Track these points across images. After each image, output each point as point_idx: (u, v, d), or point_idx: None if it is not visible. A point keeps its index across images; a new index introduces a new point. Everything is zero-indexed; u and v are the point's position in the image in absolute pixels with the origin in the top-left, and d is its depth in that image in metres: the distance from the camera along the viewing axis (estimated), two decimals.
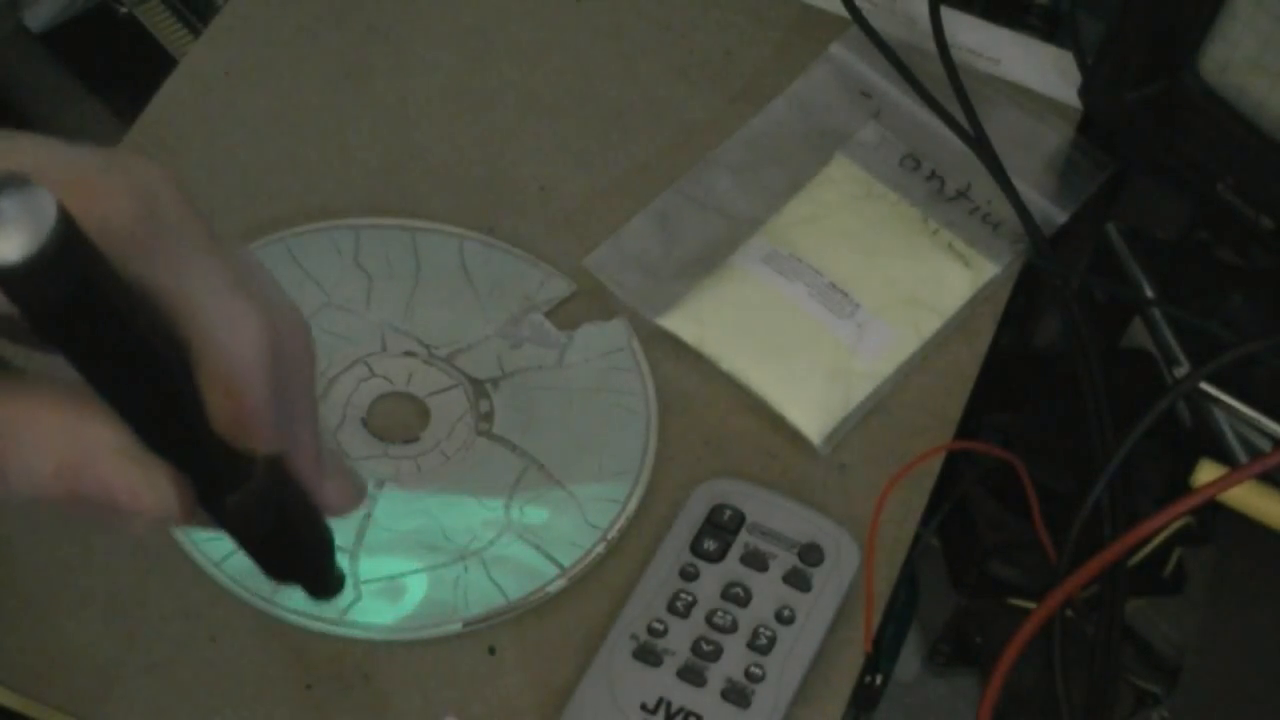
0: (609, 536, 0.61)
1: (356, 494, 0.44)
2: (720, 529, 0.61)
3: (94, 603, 0.59)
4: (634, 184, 0.72)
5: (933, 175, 0.72)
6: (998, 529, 0.66)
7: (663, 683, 0.57)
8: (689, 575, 0.59)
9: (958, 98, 0.73)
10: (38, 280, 0.33)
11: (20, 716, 0.57)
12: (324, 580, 0.46)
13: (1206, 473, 0.61)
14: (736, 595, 0.59)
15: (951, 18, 0.77)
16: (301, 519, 0.44)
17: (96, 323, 0.35)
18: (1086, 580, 0.60)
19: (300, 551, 0.45)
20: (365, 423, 0.63)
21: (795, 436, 0.65)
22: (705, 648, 0.58)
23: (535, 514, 0.62)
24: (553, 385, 0.65)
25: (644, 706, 0.57)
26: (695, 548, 0.60)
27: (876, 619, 0.61)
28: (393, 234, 0.69)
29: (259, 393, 0.38)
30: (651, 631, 0.58)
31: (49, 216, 0.32)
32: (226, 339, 0.37)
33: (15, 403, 0.38)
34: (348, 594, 0.59)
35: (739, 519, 0.61)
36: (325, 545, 0.45)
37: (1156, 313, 0.69)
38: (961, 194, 0.72)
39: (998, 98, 0.75)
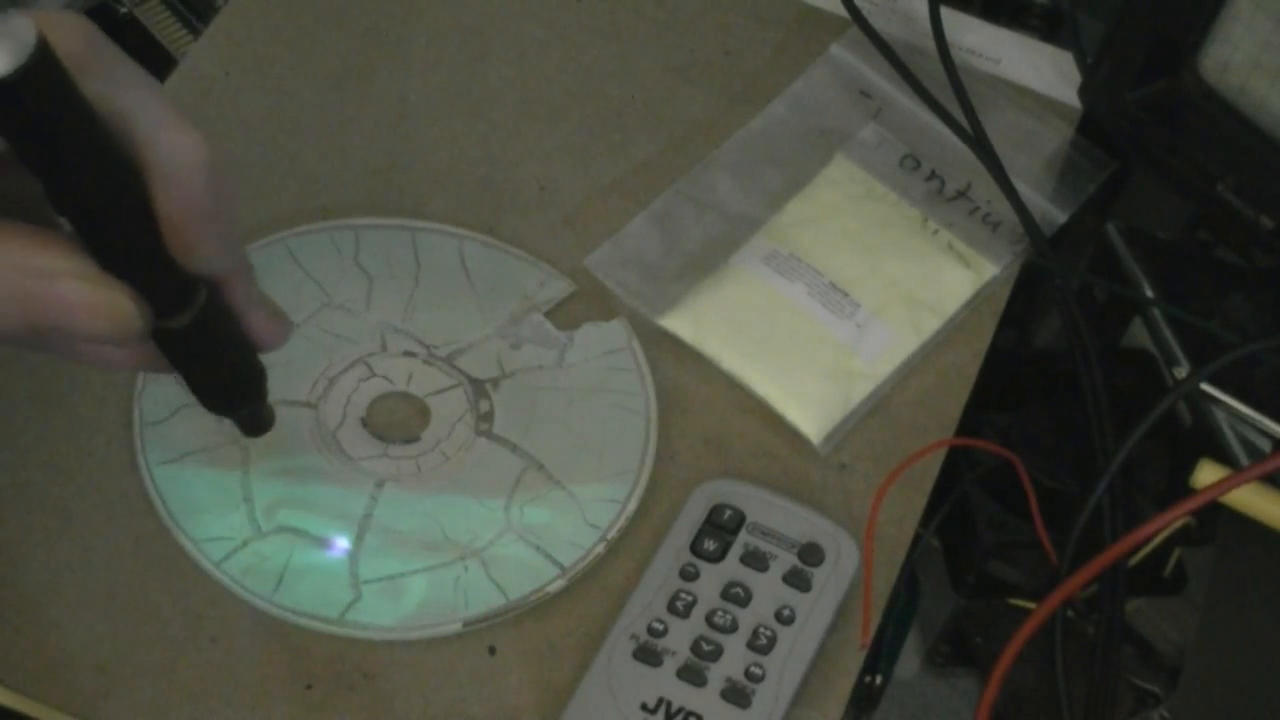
0: (609, 536, 0.61)
1: (285, 328, 0.49)
2: (720, 529, 0.61)
3: (94, 603, 0.59)
4: (634, 184, 0.72)
5: (933, 175, 0.72)
6: (998, 529, 0.66)
7: (663, 683, 0.57)
8: (689, 575, 0.60)
9: (958, 98, 0.73)
10: (22, 92, 0.37)
11: (20, 716, 0.57)
12: (257, 415, 0.51)
13: (1207, 473, 0.61)
14: (736, 595, 0.59)
15: (951, 18, 0.77)
16: (237, 348, 0.48)
17: (70, 136, 0.39)
18: (1086, 580, 0.60)
19: (236, 381, 0.49)
20: (365, 423, 0.63)
21: (795, 436, 0.65)
22: (705, 648, 0.58)
23: (535, 514, 0.62)
24: (553, 385, 0.65)
25: (644, 706, 0.57)
26: (695, 548, 0.60)
27: (876, 619, 0.61)
28: (393, 234, 0.69)
29: (208, 202, 0.42)
30: (651, 631, 0.58)
31: (30, 36, 0.36)
32: (178, 152, 0.42)
33: None
34: (347, 594, 0.59)
35: (739, 519, 0.61)
36: (259, 378, 0.50)
37: (1156, 313, 0.69)
38: (961, 194, 0.72)
39: (998, 98, 0.75)
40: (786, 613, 0.59)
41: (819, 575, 0.60)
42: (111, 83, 0.41)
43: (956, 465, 0.66)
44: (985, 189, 0.72)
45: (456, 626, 0.59)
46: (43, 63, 0.37)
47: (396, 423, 0.64)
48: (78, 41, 0.40)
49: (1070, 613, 0.63)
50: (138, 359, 0.47)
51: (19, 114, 0.38)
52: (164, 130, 0.42)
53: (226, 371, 0.49)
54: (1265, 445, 0.66)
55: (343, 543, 0.60)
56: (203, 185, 0.42)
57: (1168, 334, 0.68)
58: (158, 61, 0.78)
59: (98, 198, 0.41)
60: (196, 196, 0.42)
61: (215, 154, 0.43)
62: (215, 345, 0.47)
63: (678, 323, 0.67)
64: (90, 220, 0.41)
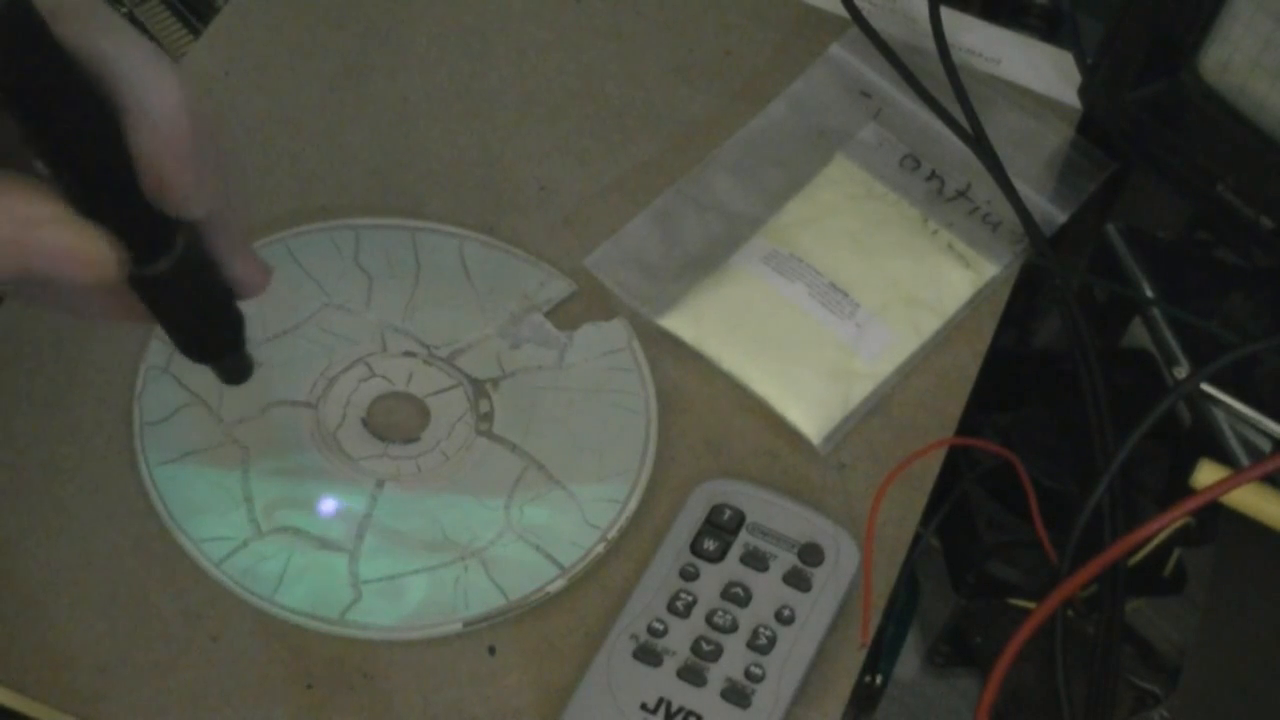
0: (609, 536, 0.61)
1: (265, 273, 0.49)
2: (720, 529, 0.61)
3: (94, 603, 0.59)
4: (634, 184, 0.72)
5: (933, 175, 0.72)
6: (998, 529, 0.66)
7: (663, 683, 0.57)
8: (689, 575, 0.60)
9: (958, 98, 0.73)
10: None
11: (20, 716, 0.57)
12: (237, 362, 0.51)
13: (1206, 473, 0.61)
14: (736, 595, 0.59)
15: (951, 18, 0.77)
16: (216, 295, 0.48)
17: (44, 79, 0.39)
18: (1086, 580, 0.60)
19: (215, 328, 0.49)
20: (365, 423, 0.63)
21: (795, 436, 0.65)
22: (705, 648, 0.58)
23: (535, 514, 0.62)
24: (553, 385, 0.65)
25: (644, 706, 0.57)
26: (695, 548, 0.60)
27: (876, 618, 0.61)
28: (393, 234, 0.69)
29: (185, 144, 0.42)
30: (651, 631, 0.58)
31: None
32: (155, 93, 0.42)
33: None
34: (348, 594, 0.59)
35: (739, 519, 0.61)
36: (237, 326, 0.50)
37: (1156, 313, 0.69)
38: (961, 194, 0.72)
39: (998, 98, 0.75)
40: (786, 613, 0.59)
41: (819, 575, 0.60)
42: (87, 26, 0.41)
43: (956, 465, 0.66)
44: (985, 189, 0.72)
45: (456, 626, 0.59)
46: (14, 4, 0.37)
47: (396, 423, 0.64)
48: None
49: (1070, 613, 0.63)
50: (121, 307, 0.47)
51: None
52: (140, 72, 0.42)
53: (206, 319, 0.49)
54: (1265, 445, 0.65)
55: (343, 543, 0.60)
56: (180, 127, 0.42)
57: (1168, 334, 0.68)
58: None
59: (74, 142, 0.41)
60: (173, 138, 0.42)
61: (193, 97, 0.43)
62: (195, 292, 0.47)
63: (678, 323, 0.67)
64: (67, 164, 0.41)
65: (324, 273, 0.67)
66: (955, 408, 0.66)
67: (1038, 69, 0.77)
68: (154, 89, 0.42)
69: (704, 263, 0.69)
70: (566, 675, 0.58)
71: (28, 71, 0.38)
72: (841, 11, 0.76)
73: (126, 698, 0.57)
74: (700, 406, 0.66)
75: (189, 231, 0.45)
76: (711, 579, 0.59)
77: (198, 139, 0.43)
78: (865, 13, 0.76)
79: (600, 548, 0.61)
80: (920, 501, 0.64)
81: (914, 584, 0.68)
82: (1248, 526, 0.62)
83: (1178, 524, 0.61)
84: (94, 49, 0.41)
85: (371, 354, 0.65)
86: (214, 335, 0.50)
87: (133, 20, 0.80)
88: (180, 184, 0.43)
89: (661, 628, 0.58)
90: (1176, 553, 0.66)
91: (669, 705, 0.57)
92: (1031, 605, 0.61)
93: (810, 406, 0.65)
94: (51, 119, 0.40)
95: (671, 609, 0.59)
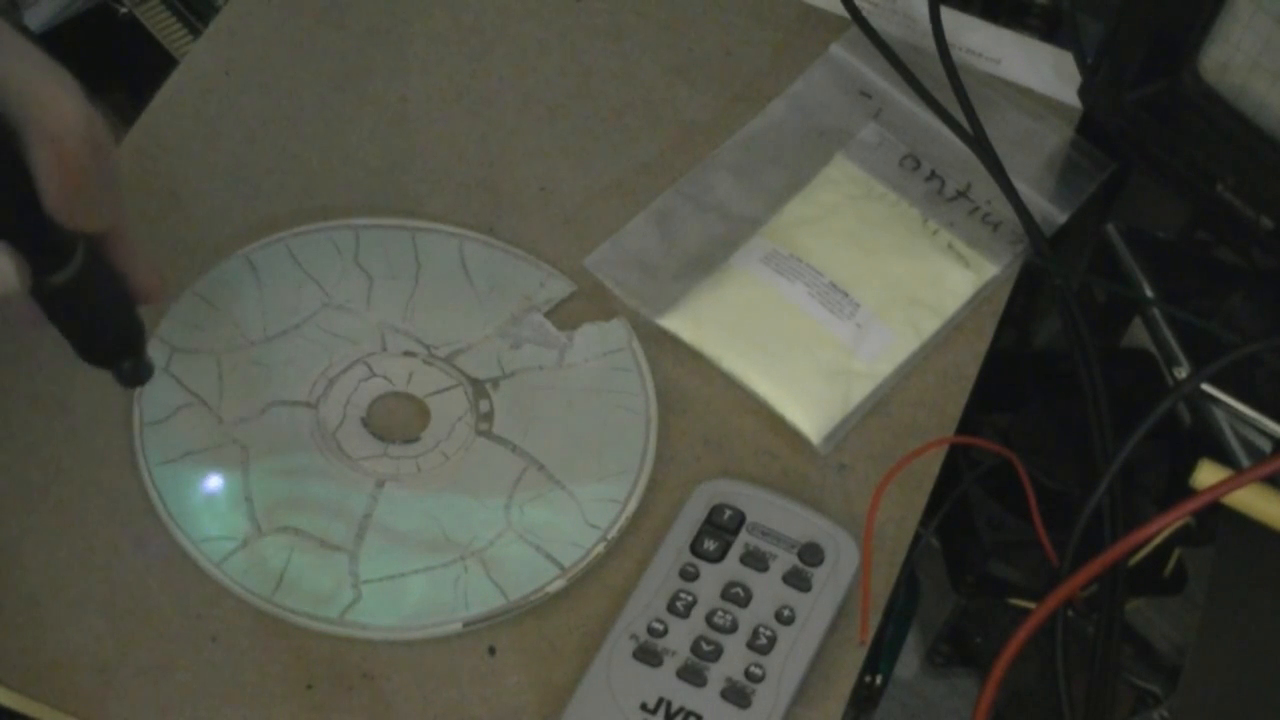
0: (609, 536, 0.61)
1: (161, 280, 0.51)
2: (720, 529, 0.61)
3: (94, 603, 0.59)
4: (634, 184, 0.72)
5: (933, 175, 0.72)
6: (998, 529, 0.66)
7: (663, 683, 0.57)
8: (689, 575, 0.60)
9: (958, 98, 0.73)
10: None
11: (20, 716, 0.57)
12: (136, 368, 0.53)
13: (1207, 474, 0.61)
14: (736, 595, 0.59)
15: (951, 18, 0.77)
16: (116, 302, 0.50)
17: None
18: (1086, 580, 0.60)
19: (115, 335, 0.51)
20: (365, 423, 0.63)
21: (795, 436, 0.65)
22: (705, 648, 0.58)
23: (535, 514, 0.62)
24: (553, 385, 0.65)
25: (644, 706, 0.57)
26: (695, 548, 0.60)
27: (876, 618, 0.61)
28: (393, 234, 0.69)
29: (87, 159, 0.43)
30: (651, 631, 0.58)
31: None
32: (55, 112, 0.43)
33: None
34: (348, 594, 0.59)
35: (739, 519, 0.61)
36: (137, 331, 0.52)
37: (1156, 313, 0.69)
38: (961, 194, 0.72)
39: (998, 98, 0.75)
40: (786, 613, 0.59)
41: (819, 575, 0.60)
42: None
43: (956, 465, 0.66)
44: (985, 189, 0.72)
45: (456, 626, 0.59)
46: None
47: (396, 423, 0.64)
48: None
49: (1070, 613, 0.63)
50: (25, 316, 0.48)
51: None
52: (40, 91, 0.43)
53: (106, 326, 0.50)
54: (1265, 445, 0.66)
55: (343, 542, 0.60)
56: (79, 145, 0.43)
57: (1168, 334, 0.68)
58: (158, 61, 0.78)
59: None
60: (72, 156, 0.43)
61: (94, 113, 0.44)
62: (94, 300, 0.49)
63: (678, 323, 0.67)
64: None
65: (324, 273, 0.67)
66: (955, 408, 0.66)
67: (1038, 69, 0.77)
68: (54, 108, 0.43)
69: (704, 263, 0.69)
70: (566, 675, 0.58)
71: None
72: (841, 11, 0.76)
73: (126, 698, 0.57)
74: (700, 406, 0.66)
75: (88, 243, 0.46)
76: (711, 579, 0.59)
77: (95, 155, 0.44)
78: (865, 13, 0.76)
79: (600, 548, 0.61)
80: (920, 501, 0.64)
81: (914, 584, 0.68)
82: (1248, 526, 0.62)
83: (1178, 524, 0.61)
84: None
85: (371, 354, 0.65)
86: (114, 341, 0.51)
87: (133, 20, 0.80)
88: (80, 199, 0.44)
89: (661, 628, 0.58)
90: (1176, 553, 0.66)
91: (669, 705, 0.57)
92: (1031, 605, 0.61)
93: (810, 406, 0.65)
94: None
95: (671, 609, 0.59)
